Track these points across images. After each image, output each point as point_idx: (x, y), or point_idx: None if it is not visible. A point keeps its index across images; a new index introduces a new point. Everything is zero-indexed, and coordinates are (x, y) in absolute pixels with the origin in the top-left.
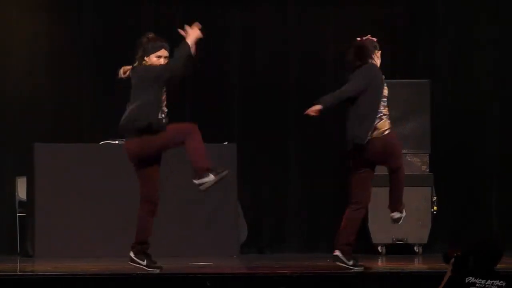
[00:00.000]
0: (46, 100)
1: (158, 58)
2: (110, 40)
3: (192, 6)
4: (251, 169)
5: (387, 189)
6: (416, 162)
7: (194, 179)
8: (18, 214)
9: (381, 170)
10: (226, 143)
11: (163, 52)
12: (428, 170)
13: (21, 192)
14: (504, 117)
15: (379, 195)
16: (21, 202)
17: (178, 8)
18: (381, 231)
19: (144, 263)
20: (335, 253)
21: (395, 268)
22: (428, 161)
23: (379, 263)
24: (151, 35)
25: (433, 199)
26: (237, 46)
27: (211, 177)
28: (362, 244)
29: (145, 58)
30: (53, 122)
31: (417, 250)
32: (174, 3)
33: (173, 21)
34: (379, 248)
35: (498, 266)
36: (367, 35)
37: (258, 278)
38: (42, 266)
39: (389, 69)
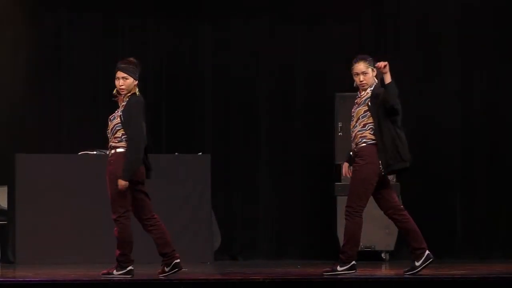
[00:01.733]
0: (27, 112)
1: (117, 80)
2: (88, 53)
3: (165, 20)
4: (224, 178)
5: None
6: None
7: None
8: None
9: (350, 180)
10: (200, 153)
11: (118, 74)
12: (395, 179)
13: (2, 201)
14: (466, 128)
15: None
16: (2, 210)
17: (151, 22)
18: None
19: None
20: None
21: (363, 275)
22: None
23: None
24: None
25: None
26: (209, 59)
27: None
28: (331, 251)
29: None
30: (33, 134)
31: (384, 257)
32: (148, 17)
33: (146, 34)
34: None
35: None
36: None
37: (231, 284)
38: (23, 272)
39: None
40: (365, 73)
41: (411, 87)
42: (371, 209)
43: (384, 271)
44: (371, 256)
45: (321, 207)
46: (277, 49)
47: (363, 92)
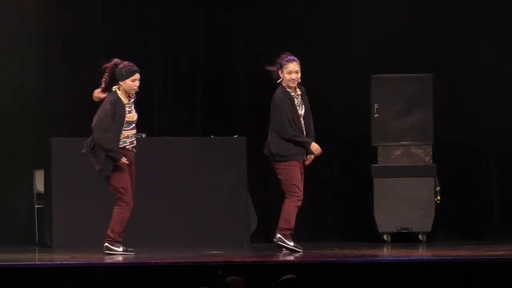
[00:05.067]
0: (63, 95)
1: (133, 81)
2: (119, 38)
3: (197, 3)
4: (260, 161)
5: (394, 179)
6: (419, 153)
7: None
8: (36, 206)
9: (387, 162)
10: (236, 136)
11: (137, 76)
12: (431, 161)
13: (39, 184)
14: (503, 109)
15: (384, 185)
16: (39, 194)
17: (182, 5)
18: (386, 220)
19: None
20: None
21: (400, 256)
22: (431, 152)
23: (385, 251)
24: (118, 61)
25: (437, 189)
26: (243, 41)
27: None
28: (368, 233)
29: (120, 83)
30: (70, 117)
31: (421, 238)
32: (178, 1)
33: (179, 19)
34: (384, 236)
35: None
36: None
37: (268, 267)
38: (60, 256)
39: (394, 64)
40: (298, 71)
41: (451, 70)
42: (408, 191)
43: (421, 252)
44: (408, 238)
45: (357, 189)
46: (312, 31)
47: (297, 89)
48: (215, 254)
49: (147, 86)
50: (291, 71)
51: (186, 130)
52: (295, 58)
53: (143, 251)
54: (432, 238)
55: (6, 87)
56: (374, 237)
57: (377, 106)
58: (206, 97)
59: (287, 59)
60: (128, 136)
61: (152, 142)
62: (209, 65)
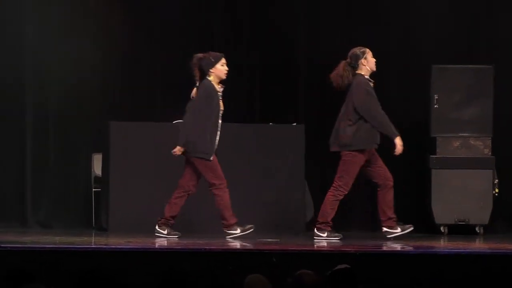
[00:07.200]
0: (121, 80)
1: (222, 65)
2: (181, 24)
3: None
4: (318, 149)
5: (452, 171)
6: (478, 145)
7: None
8: (93, 189)
9: (445, 153)
10: (294, 124)
11: (224, 60)
12: (490, 153)
13: (97, 168)
14: None
15: (443, 177)
16: (96, 177)
17: None
18: (443, 212)
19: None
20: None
21: (456, 248)
22: (490, 145)
23: (441, 242)
24: (200, 55)
25: (495, 182)
26: (303, 28)
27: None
28: (425, 224)
29: (211, 71)
30: (128, 101)
31: (478, 231)
32: None
33: (239, 4)
34: (441, 228)
35: None
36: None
37: (323, 255)
38: (116, 240)
39: (453, 56)
40: None
41: (506, 57)
42: (466, 183)
43: (478, 245)
44: (465, 230)
45: (415, 180)
46: (372, 21)
47: None
48: (270, 242)
49: None
50: (372, 56)
51: (245, 117)
52: None
53: (199, 237)
54: (489, 230)
55: (66, 69)
56: (431, 229)
57: (437, 97)
58: (265, 84)
59: (362, 48)
60: None
61: None
62: (269, 51)
